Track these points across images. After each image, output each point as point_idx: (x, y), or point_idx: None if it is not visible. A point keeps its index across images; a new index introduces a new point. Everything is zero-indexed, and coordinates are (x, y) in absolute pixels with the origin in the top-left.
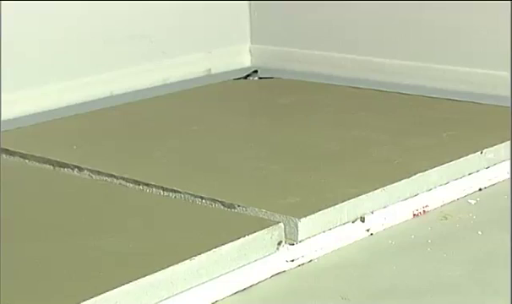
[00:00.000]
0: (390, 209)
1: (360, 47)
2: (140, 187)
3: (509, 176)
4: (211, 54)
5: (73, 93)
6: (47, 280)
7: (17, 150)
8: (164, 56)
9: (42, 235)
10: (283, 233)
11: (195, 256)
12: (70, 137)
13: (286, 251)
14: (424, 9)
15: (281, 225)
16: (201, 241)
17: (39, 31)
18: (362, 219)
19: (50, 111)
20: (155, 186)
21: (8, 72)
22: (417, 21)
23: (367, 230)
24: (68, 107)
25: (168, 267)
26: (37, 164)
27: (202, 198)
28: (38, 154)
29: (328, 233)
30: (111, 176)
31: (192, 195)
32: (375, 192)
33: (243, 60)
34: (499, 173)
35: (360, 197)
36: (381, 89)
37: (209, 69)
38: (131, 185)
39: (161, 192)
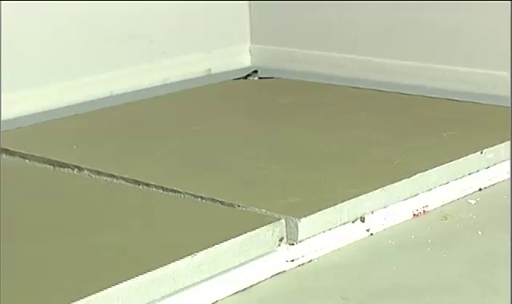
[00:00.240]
0: (390, 208)
1: (360, 47)
2: (140, 187)
3: (509, 176)
4: (211, 54)
5: (73, 93)
6: (47, 280)
7: (17, 150)
8: (164, 56)
9: (42, 235)
10: (284, 229)
11: (197, 252)
12: (70, 137)
13: (286, 251)
14: (424, 9)
15: (282, 221)
16: (202, 238)
17: (39, 31)
18: (362, 219)
19: (50, 111)
20: (155, 186)
21: (8, 72)
22: (417, 21)
23: (367, 230)
24: (68, 107)
25: (170, 263)
26: (37, 164)
27: (202, 198)
28: (38, 154)
29: (328, 233)
30: (111, 176)
31: (192, 195)
32: (375, 192)
33: (243, 60)
34: (499, 173)
35: (360, 197)
36: (381, 89)
37: (209, 69)
38: (131, 185)
39: (161, 192)
